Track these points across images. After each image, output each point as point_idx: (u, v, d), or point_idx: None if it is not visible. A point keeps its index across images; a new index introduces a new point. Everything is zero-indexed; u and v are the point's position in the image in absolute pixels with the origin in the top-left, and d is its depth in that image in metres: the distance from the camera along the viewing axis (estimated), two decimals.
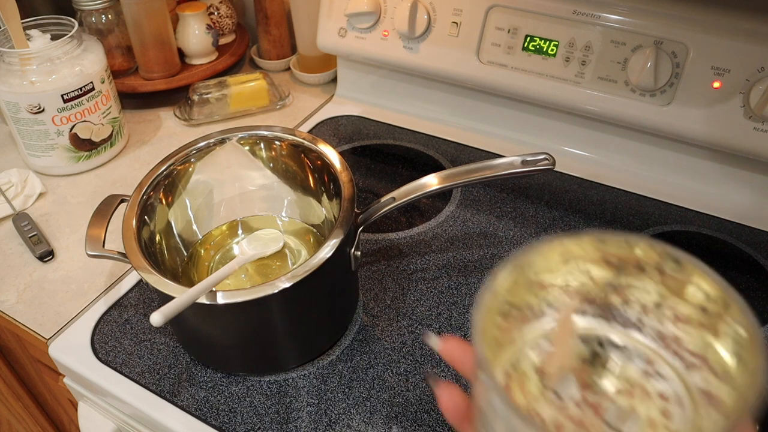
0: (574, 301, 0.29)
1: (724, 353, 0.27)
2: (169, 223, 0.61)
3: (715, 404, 0.28)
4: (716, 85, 0.65)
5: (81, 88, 0.75)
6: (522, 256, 0.29)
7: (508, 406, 0.24)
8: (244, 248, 0.61)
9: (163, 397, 0.54)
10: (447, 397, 0.30)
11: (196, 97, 0.89)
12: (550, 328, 0.32)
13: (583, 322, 0.32)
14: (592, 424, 0.29)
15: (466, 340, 0.31)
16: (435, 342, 0.31)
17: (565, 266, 0.31)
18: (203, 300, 0.46)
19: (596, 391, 0.31)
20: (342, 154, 0.59)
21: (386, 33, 0.82)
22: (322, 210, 0.63)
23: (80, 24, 0.87)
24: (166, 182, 0.60)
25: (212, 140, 0.62)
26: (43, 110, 0.74)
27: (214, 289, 0.47)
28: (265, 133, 0.63)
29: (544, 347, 0.32)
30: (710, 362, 0.28)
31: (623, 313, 0.32)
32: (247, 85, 0.90)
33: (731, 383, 0.27)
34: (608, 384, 0.31)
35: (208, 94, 0.89)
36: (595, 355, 0.32)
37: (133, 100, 0.94)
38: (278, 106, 0.92)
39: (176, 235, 0.62)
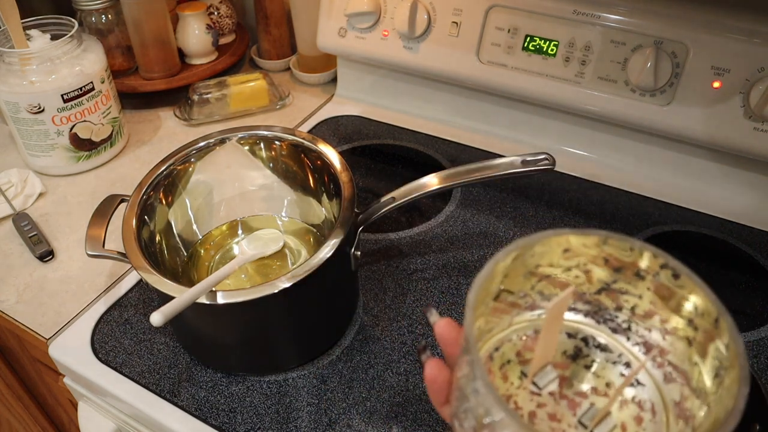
0: (568, 296, 0.29)
1: (707, 372, 0.27)
2: (169, 223, 0.61)
3: (688, 420, 0.28)
4: (716, 85, 0.65)
5: (81, 88, 0.75)
6: (524, 243, 0.29)
7: (486, 387, 0.24)
8: (244, 248, 0.61)
9: (163, 397, 0.54)
10: (434, 372, 0.30)
11: (196, 97, 0.89)
12: (539, 318, 0.33)
13: (573, 318, 0.32)
14: (564, 418, 0.30)
15: (459, 325, 0.31)
16: (434, 318, 0.32)
17: (565, 260, 0.31)
18: (203, 300, 0.46)
19: (574, 387, 0.31)
20: (342, 154, 0.59)
21: (386, 33, 0.82)
22: (322, 210, 0.63)
23: (80, 24, 0.87)
24: (166, 182, 0.60)
25: (212, 140, 0.62)
26: (43, 110, 0.74)
27: (214, 289, 0.47)
28: (265, 133, 0.63)
29: (531, 337, 0.32)
30: (691, 378, 0.28)
31: (613, 315, 0.32)
32: (247, 85, 0.90)
33: (708, 402, 0.27)
34: (587, 383, 0.31)
35: (208, 94, 0.89)
36: (578, 352, 0.32)
37: (133, 100, 0.94)
38: (278, 106, 0.92)
39: (176, 235, 0.62)
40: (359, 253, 0.56)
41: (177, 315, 0.44)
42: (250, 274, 0.61)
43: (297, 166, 0.64)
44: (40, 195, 0.77)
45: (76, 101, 0.75)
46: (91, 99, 0.77)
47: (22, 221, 0.72)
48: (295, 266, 0.52)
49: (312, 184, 0.64)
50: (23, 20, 0.75)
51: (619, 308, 0.31)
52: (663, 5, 0.66)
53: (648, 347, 0.31)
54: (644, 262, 0.29)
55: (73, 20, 0.77)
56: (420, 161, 0.82)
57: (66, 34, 0.74)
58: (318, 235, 0.64)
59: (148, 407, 0.54)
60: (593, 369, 0.32)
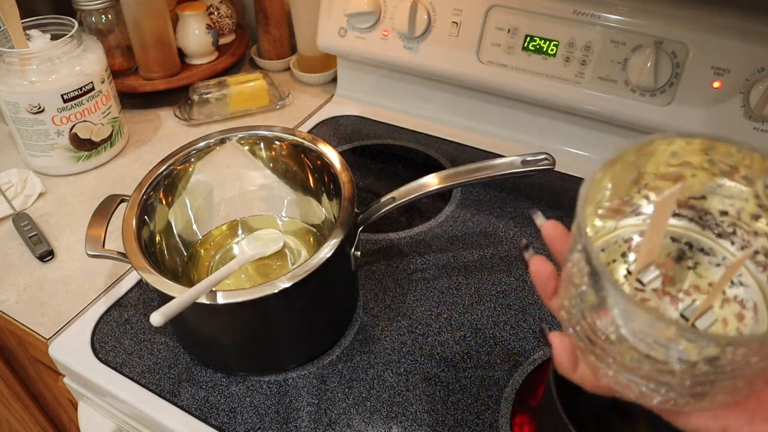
0: (676, 191, 0.29)
1: None
2: (169, 223, 0.61)
3: None
4: (716, 85, 0.65)
5: (81, 88, 0.75)
6: (634, 144, 0.30)
7: (600, 267, 0.25)
8: (244, 248, 0.61)
9: (163, 397, 0.54)
10: (538, 265, 0.32)
11: (196, 97, 0.89)
12: (644, 223, 0.33)
13: (677, 223, 0.33)
14: (666, 312, 0.31)
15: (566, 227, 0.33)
16: (541, 220, 0.34)
17: (672, 165, 0.31)
18: (203, 300, 0.46)
19: (677, 285, 0.32)
20: (342, 154, 0.59)
21: (386, 33, 0.82)
22: (322, 210, 0.63)
23: (80, 24, 0.87)
24: (166, 182, 0.60)
25: (212, 140, 0.62)
26: (43, 110, 0.74)
27: (214, 289, 0.47)
28: (265, 133, 0.63)
29: (636, 239, 0.33)
30: None
31: (719, 221, 0.32)
32: (247, 85, 0.90)
33: None
34: (690, 282, 0.32)
35: (208, 94, 0.89)
36: (682, 254, 0.33)
37: (133, 100, 0.94)
38: (278, 106, 0.92)
39: (176, 235, 0.62)
40: (359, 253, 0.56)
41: (177, 315, 0.44)
42: (250, 274, 0.61)
43: (297, 166, 0.64)
44: (40, 195, 0.77)
45: (76, 101, 0.75)
46: (91, 99, 0.77)
47: (22, 221, 0.72)
48: (295, 266, 0.52)
49: (312, 184, 0.64)
50: (23, 20, 0.75)
51: (724, 213, 0.32)
52: (663, 5, 0.66)
53: (753, 251, 0.31)
54: (751, 165, 0.29)
55: (73, 20, 0.77)
56: (420, 161, 0.82)
57: (66, 34, 0.74)
58: (318, 235, 0.64)
59: (148, 407, 0.54)
60: (697, 270, 0.32)
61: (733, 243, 0.32)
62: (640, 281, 0.32)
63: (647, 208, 0.33)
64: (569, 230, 0.32)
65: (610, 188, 0.31)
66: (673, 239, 0.33)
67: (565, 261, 0.30)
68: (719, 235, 0.32)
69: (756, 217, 0.31)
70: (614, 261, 0.33)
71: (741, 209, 0.31)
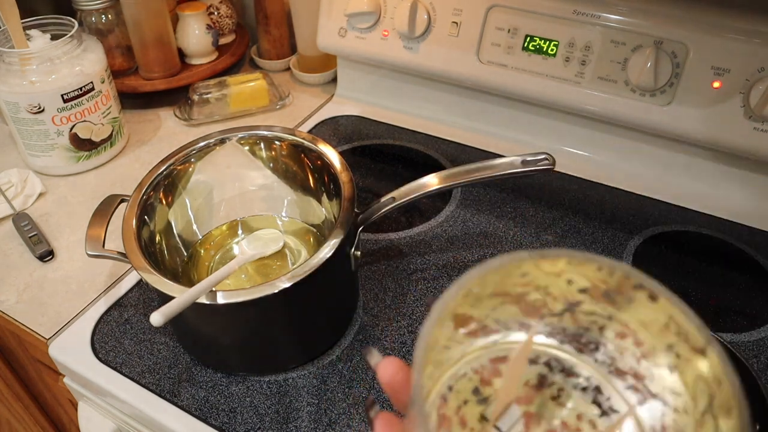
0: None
1: (695, 408, 0.24)
2: (169, 223, 0.61)
3: None
4: (716, 85, 0.65)
5: (81, 88, 0.75)
6: (477, 275, 0.26)
7: None
8: (244, 248, 0.61)
9: (163, 397, 0.54)
10: (382, 428, 0.25)
11: (196, 97, 0.89)
12: (495, 345, 0.30)
13: (534, 339, 0.30)
14: None
15: (408, 365, 0.27)
16: (376, 359, 0.27)
17: (522, 285, 0.28)
18: (203, 300, 0.46)
19: (542, 425, 0.28)
20: (342, 154, 0.59)
21: (386, 33, 0.82)
22: (322, 210, 0.63)
23: (80, 24, 0.87)
24: (166, 182, 0.60)
25: (212, 140, 0.62)
26: (43, 110, 0.74)
27: (214, 289, 0.47)
28: (265, 133, 0.63)
29: (487, 368, 0.29)
30: (671, 403, 0.26)
31: (578, 335, 0.29)
32: (247, 85, 0.90)
33: (692, 425, 0.24)
34: (557, 417, 0.28)
35: (208, 94, 0.89)
36: (542, 380, 0.29)
37: (133, 100, 0.94)
38: (278, 106, 0.92)
39: (176, 235, 0.62)
40: (359, 253, 0.56)
41: (177, 315, 0.44)
42: (250, 274, 0.61)
43: (297, 166, 0.64)
44: (40, 195, 0.77)
45: (76, 101, 0.75)
46: (91, 99, 0.77)
47: (22, 221, 0.72)
48: (295, 266, 0.52)
49: (312, 184, 0.64)
50: (23, 20, 0.75)
51: (585, 329, 0.29)
52: (663, 5, 0.66)
53: (618, 370, 0.28)
54: (614, 283, 0.26)
55: (73, 20, 0.77)
56: (420, 161, 0.82)
57: (66, 34, 0.74)
58: (318, 235, 0.64)
59: (148, 407, 0.54)
60: (561, 400, 0.29)
61: (596, 360, 0.29)
62: (498, 428, 0.27)
63: (497, 327, 0.29)
64: (406, 366, 0.26)
65: (453, 321, 0.28)
66: (531, 361, 0.29)
67: (406, 422, 0.25)
68: (580, 351, 0.29)
69: (622, 336, 0.27)
70: (466, 402, 0.28)
71: (604, 326, 0.28)
